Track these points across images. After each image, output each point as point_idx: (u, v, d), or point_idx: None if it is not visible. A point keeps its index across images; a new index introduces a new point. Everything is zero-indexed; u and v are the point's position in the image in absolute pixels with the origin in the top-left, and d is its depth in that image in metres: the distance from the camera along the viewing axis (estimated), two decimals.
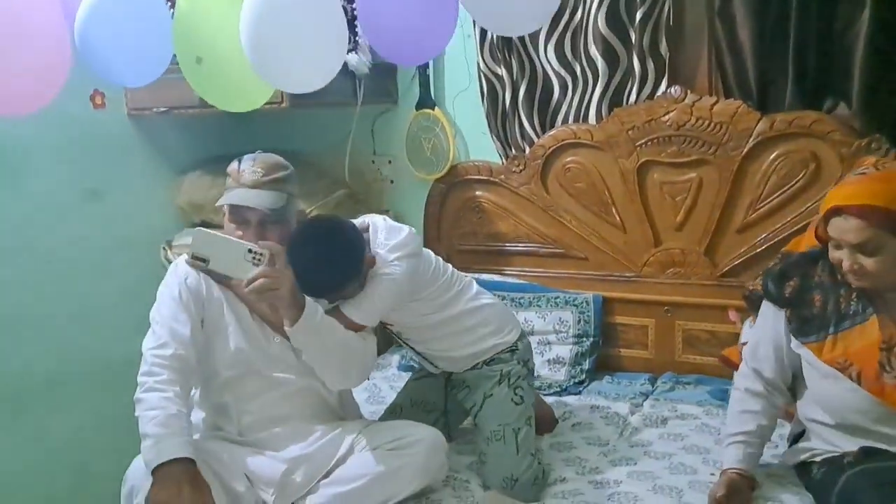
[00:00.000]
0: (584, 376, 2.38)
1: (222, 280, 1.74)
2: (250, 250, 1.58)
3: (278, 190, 1.73)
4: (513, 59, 2.57)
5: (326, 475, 1.72)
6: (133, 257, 2.67)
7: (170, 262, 2.53)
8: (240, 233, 1.70)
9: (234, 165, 1.74)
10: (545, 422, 2.11)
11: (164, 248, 2.77)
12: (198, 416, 1.83)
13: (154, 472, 1.49)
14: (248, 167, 1.71)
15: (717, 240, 2.39)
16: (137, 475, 1.50)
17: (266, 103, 2.40)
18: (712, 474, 1.77)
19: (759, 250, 2.32)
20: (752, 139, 2.28)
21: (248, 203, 1.68)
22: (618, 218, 2.52)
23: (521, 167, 2.63)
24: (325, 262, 1.69)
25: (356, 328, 1.78)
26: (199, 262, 1.59)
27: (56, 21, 1.40)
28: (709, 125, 2.31)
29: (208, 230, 1.64)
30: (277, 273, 1.59)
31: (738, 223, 2.35)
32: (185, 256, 1.72)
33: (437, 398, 2.05)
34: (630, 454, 1.93)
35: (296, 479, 1.70)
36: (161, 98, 2.62)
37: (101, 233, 2.58)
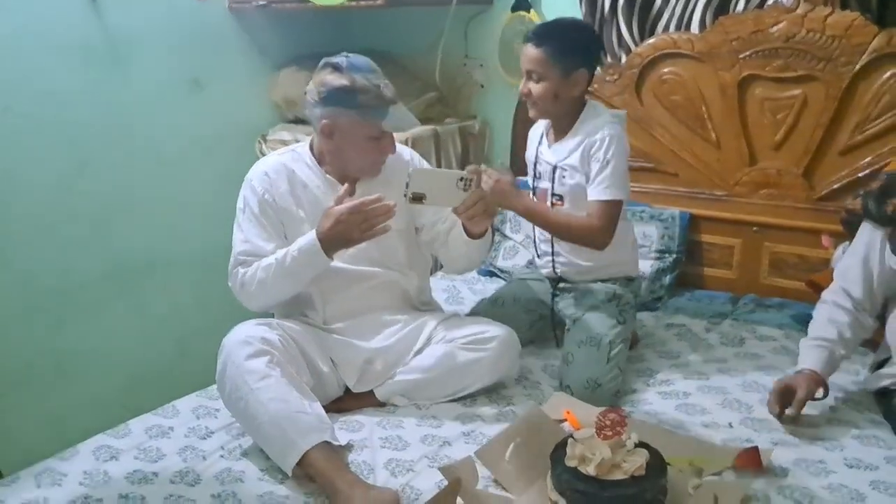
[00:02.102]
0: (662, 292, 2.37)
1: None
2: (461, 178, 1.62)
3: None
4: None
5: (404, 364, 1.81)
6: (230, 148, 2.78)
7: (264, 155, 2.62)
8: (378, 149, 1.79)
9: (361, 81, 1.71)
10: None
11: (259, 142, 2.86)
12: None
13: (327, 250, 1.67)
14: (380, 82, 1.73)
15: (817, 161, 2.29)
16: (230, 344, 1.62)
17: None
18: None
19: (861, 174, 2.21)
20: (866, 55, 2.14)
21: (414, 123, 1.82)
22: (713, 134, 2.44)
23: (615, 76, 2.55)
24: (559, 24, 1.98)
25: (607, 214, 1.87)
26: (417, 200, 1.63)
27: None
28: (820, 38, 2.18)
29: (423, 168, 1.68)
30: (485, 193, 1.69)
31: (842, 145, 2.24)
32: (258, 175, 1.81)
33: (541, 300, 2.09)
34: (702, 369, 1.94)
35: (376, 366, 1.80)
36: None
37: (201, 123, 2.69)
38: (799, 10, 2.20)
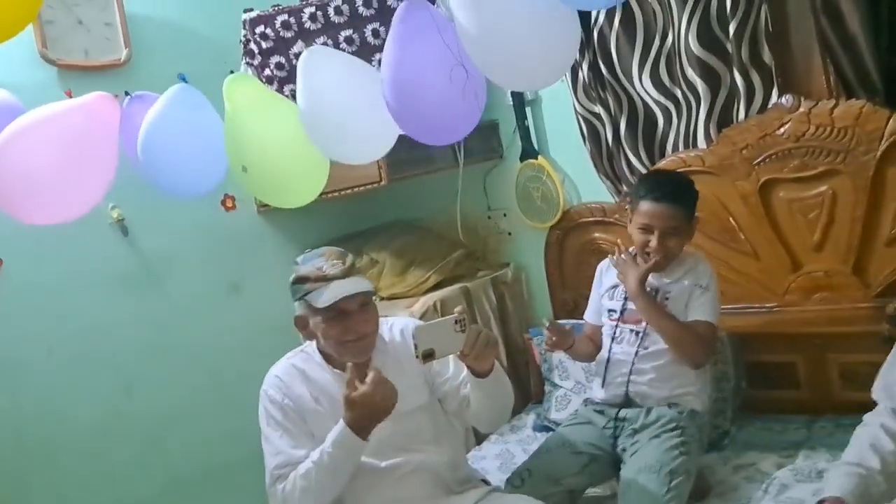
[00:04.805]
0: (728, 425, 2.17)
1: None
2: (456, 321, 1.62)
3: (359, 273, 1.78)
4: (608, 95, 2.47)
5: None
6: (275, 341, 2.78)
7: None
8: (338, 329, 1.74)
9: (305, 269, 1.76)
10: (698, 489, 1.92)
11: None
12: None
13: (359, 433, 1.65)
14: (323, 263, 1.75)
15: (866, 256, 2.12)
16: None
17: (367, 183, 2.53)
18: None
19: None
20: (885, 140, 2.00)
21: (356, 290, 1.72)
22: (748, 245, 2.31)
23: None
24: (679, 179, 2.06)
25: (709, 332, 1.97)
26: (429, 357, 1.62)
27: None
28: (831, 132, 2.07)
29: (422, 323, 1.70)
30: (480, 328, 1.69)
31: (886, 235, 2.07)
32: (272, 382, 1.83)
33: (590, 441, 1.99)
34: None
35: None
36: None
37: (243, 323, 2.76)
38: (802, 108, 2.11)
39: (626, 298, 2.05)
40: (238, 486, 2.63)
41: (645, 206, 1.96)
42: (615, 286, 2.11)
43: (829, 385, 2.15)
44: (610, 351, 2.07)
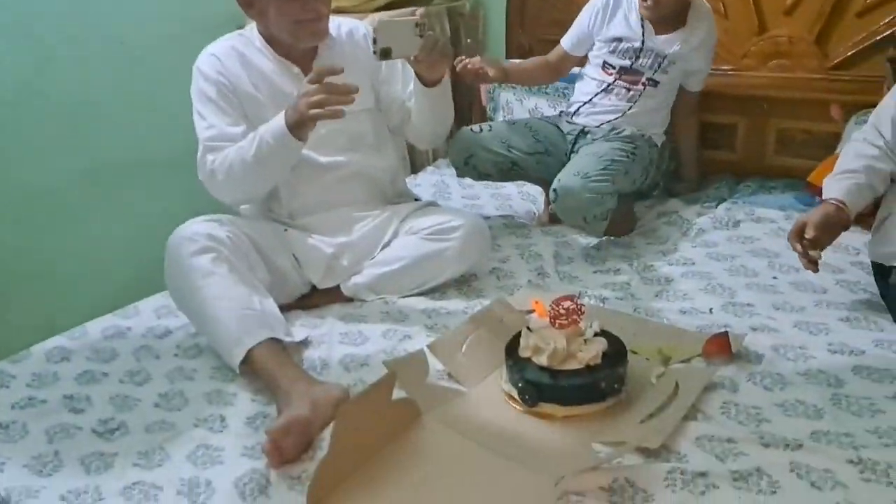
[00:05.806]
0: (658, 178, 2.21)
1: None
2: (417, 24, 1.56)
3: None
4: None
5: (372, 258, 1.73)
6: (208, 41, 2.63)
7: None
8: (295, 5, 1.59)
9: None
10: (625, 222, 2.02)
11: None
12: None
13: (292, 129, 1.52)
14: None
15: (832, 25, 2.09)
16: (174, 241, 1.54)
17: None
18: (774, 278, 1.64)
19: (880, 37, 1.99)
20: None
21: None
22: (720, 4, 2.22)
23: None
24: None
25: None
26: (385, 55, 1.56)
27: None
28: None
29: (387, 20, 1.59)
30: (439, 36, 1.61)
31: (860, 4, 2.02)
32: (206, 59, 1.70)
33: (551, 139, 2.06)
34: (689, 254, 1.82)
35: (342, 262, 1.71)
36: None
37: (172, 15, 2.53)
38: None
39: (635, 58, 2.00)
40: (159, 185, 2.56)
41: None
42: (620, 39, 2.02)
43: (763, 149, 2.20)
44: (595, 96, 2.06)
